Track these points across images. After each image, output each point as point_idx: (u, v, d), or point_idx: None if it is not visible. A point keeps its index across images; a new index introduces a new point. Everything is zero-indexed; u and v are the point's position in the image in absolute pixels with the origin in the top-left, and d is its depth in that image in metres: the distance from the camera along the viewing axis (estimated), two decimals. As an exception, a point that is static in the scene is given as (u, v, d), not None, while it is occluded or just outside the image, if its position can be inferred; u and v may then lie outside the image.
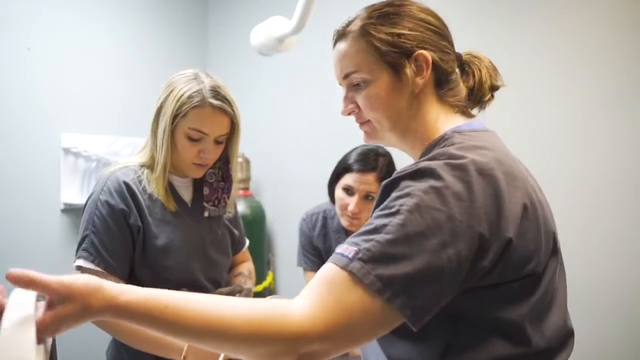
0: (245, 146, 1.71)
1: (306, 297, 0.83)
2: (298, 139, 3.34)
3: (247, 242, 1.90)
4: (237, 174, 1.72)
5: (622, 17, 2.15)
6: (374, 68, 1.02)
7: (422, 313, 0.82)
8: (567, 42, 2.28)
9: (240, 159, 3.19)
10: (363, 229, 0.87)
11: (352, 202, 1.89)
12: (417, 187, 0.85)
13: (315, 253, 2.12)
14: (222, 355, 1.38)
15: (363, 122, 1.08)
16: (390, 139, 1.07)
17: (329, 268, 0.84)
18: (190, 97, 1.48)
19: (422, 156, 1.01)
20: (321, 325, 0.80)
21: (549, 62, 2.32)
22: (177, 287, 1.50)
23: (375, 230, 0.84)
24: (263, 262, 3.28)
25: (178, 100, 1.49)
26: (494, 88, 1.10)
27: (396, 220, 0.83)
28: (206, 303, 0.82)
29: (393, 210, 0.85)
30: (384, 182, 0.94)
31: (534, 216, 0.89)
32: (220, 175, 1.68)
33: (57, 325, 0.75)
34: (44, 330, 0.74)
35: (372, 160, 1.90)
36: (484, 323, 0.89)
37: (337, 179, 1.95)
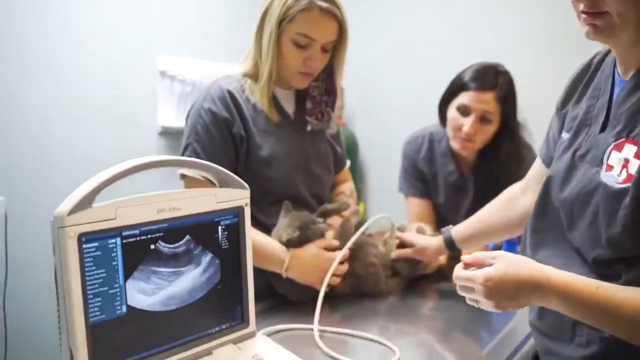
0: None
1: None
2: (396, 66, 3.19)
3: (348, 162, 1.82)
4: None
5: None
6: None
7: None
8: None
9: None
10: None
11: (467, 123, 1.75)
12: None
13: (419, 178, 2.00)
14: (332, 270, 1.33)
15: (597, 14, 0.90)
16: (625, 38, 0.91)
17: None
18: None
19: None
20: None
21: None
22: (279, 200, 1.47)
23: None
24: (355, 193, 3.22)
25: (284, 3, 1.40)
26: None
27: None
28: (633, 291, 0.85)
29: None
30: None
31: None
32: (323, 88, 1.60)
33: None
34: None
35: (492, 78, 1.74)
36: None
37: (450, 98, 1.81)
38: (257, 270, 1.41)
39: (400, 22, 3.15)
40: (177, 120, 2.92)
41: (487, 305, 0.94)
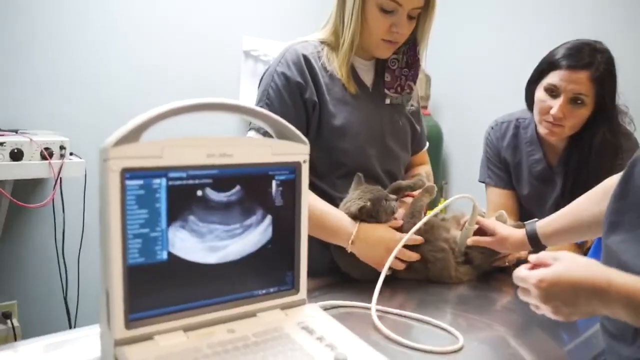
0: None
1: None
2: (486, 56, 3.03)
3: (427, 144, 1.71)
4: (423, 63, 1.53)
5: None
6: None
7: None
8: None
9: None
10: None
11: (555, 104, 1.59)
12: None
13: (501, 167, 1.86)
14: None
15: None
16: None
17: None
18: None
19: None
20: None
21: None
22: (350, 173, 1.39)
23: None
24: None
25: None
26: None
27: None
28: None
29: None
30: None
31: None
32: (404, 61, 1.51)
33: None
34: None
35: (587, 56, 1.56)
36: None
37: (539, 78, 1.65)
38: (320, 246, 1.36)
39: (488, 8, 2.99)
40: (259, 100, 2.91)
41: (546, 310, 0.85)
